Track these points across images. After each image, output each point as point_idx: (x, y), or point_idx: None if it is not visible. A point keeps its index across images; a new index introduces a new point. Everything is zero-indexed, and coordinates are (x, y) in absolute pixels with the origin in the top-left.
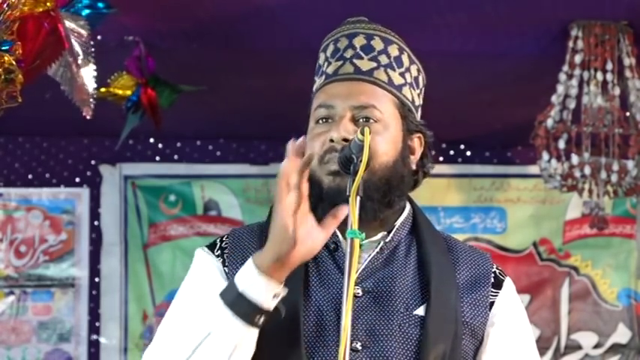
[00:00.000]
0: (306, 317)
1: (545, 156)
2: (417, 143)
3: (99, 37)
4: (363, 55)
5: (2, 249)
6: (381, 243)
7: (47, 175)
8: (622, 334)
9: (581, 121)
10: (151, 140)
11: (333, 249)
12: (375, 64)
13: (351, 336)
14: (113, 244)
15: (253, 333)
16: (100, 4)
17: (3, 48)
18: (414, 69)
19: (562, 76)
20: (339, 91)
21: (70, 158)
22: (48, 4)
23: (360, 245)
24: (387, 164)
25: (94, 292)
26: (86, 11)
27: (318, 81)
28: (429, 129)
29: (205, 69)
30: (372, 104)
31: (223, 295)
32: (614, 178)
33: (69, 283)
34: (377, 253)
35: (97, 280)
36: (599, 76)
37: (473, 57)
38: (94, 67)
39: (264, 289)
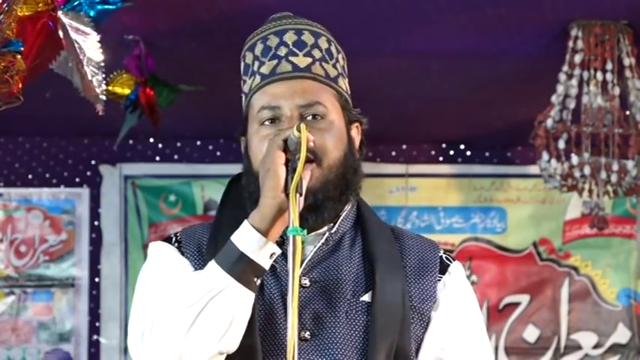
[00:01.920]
0: (259, 306)
1: (545, 156)
2: (355, 132)
3: (99, 36)
4: (297, 51)
5: (2, 249)
6: (327, 234)
7: (47, 175)
8: (622, 334)
9: (581, 121)
10: (151, 140)
11: (280, 242)
12: (310, 60)
13: (299, 325)
14: (113, 244)
15: (251, 297)
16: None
17: (12, 48)
18: (340, 58)
19: (562, 76)
20: (281, 90)
21: (70, 158)
22: (47, 3)
23: (303, 241)
24: (340, 159)
25: (94, 292)
26: (99, 7)
27: (251, 81)
28: (429, 127)
29: (205, 69)
30: (317, 101)
31: (220, 260)
32: (614, 178)
33: (69, 283)
34: (322, 244)
35: (97, 280)
36: (599, 76)
37: (473, 57)
38: (102, 65)
39: (263, 250)
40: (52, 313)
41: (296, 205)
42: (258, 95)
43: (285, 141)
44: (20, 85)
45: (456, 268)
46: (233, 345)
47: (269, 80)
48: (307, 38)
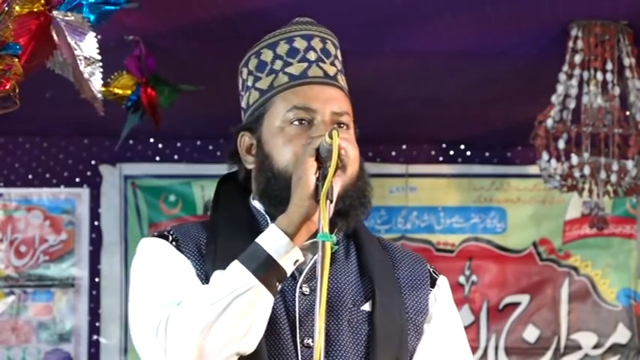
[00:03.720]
0: None
1: (545, 156)
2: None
3: (99, 37)
4: (324, 58)
5: (2, 249)
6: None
7: (47, 175)
8: (622, 335)
9: (581, 121)
10: (151, 140)
11: None
12: (335, 69)
13: (303, 333)
14: (113, 244)
15: (271, 301)
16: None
17: (10, 52)
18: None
19: (562, 76)
20: (317, 94)
21: (70, 158)
22: (43, 3)
23: (332, 248)
24: (358, 169)
25: (94, 292)
26: (102, 8)
27: (270, 78)
28: (429, 127)
29: (205, 69)
30: (346, 111)
31: (245, 260)
32: (613, 178)
33: (69, 283)
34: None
35: (97, 280)
36: (599, 76)
37: (473, 57)
38: (100, 64)
39: (289, 255)
40: (52, 313)
41: (326, 211)
42: (287, 94)
43: (317, 149)
44: (9, 84)
45: (444, 282)
46: (251, 346)
47: (301, 82)
48: (330, 48)
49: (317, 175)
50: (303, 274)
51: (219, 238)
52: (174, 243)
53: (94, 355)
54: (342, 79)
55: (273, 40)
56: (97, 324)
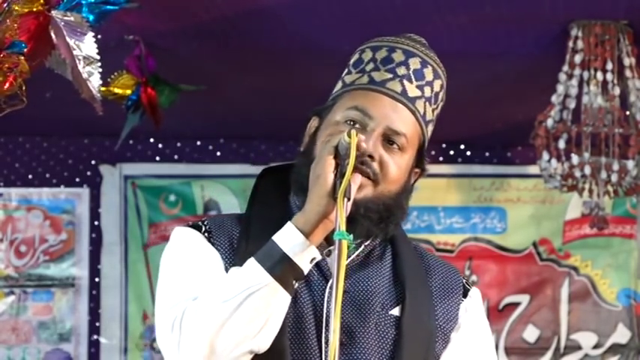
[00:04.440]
0: (290, 312)
1: (545, 156)
2: (413, 177)
3: (99, 37)
4: (413, 79)
5: (2, 249)
6: (362, 247)
7: (47, 175)
8: (621, 335)
9: (581, 121)
10: (151, 140)
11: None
12: (419, 93)
13: (329, 332)
14: (113, 244)
15: (287, 299)
16: None
17: (16, 50)
18: (440, 106)
19: (562, 76)
20: (381, 104)
21: (70, 158)
22: (42, 2)
23: (348, 246)
24: (395, 192)
25: (94, 292)
26: (101, 8)
27: (357, 76)
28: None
29: (205, 69)
30: (404, 133)
31: (260, 258)
32: (614, 178)
33: (69, 283)
34: (355, 255)
35: (97, 280)
36: (599, 76)
37: (473, 57)
38: (99, 64)
39: (305, 253)
40: (52, 313)
41: (343, 209)
42: (357, 94)
43: (337, 147)
44: (16, 83)
45: (476, 294)
46: (265, 344)
47: (375, 88)
48: (428, 73)
49: (335, 172)
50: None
51: (251, 234)
52: (206, 234)
53: (94, 355)
54: (422, 106)
55: (379, 43)
56: (97, 324)
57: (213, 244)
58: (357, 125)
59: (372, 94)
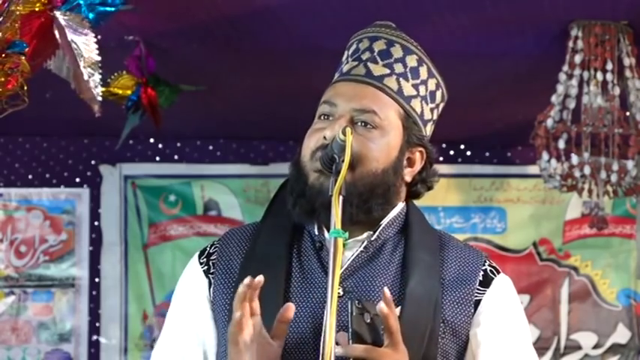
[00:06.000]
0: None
1: (545, 156)
2: (417, 157)
3: (99, 37)
4: (378, 59)
5: (2, 249)
6: (365, 242)
7: (47, 175)
8: (621, 335)
9: (581, 121)
10: (151, 140)
11: (318, 247)
12: (387, 71)
13: (331, 335)
14: (113, 244)
15: None
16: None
17: (17, 50)
18: (431, 82)
19: (562, 76)
20: (344, 90)
21: (70, 158)
22: (44, 2)
23: (344, 244)
24: (375, 171)
25: (94, 292)
26: (99, 9)
27: (335, 77)
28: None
29: (205, 69)
30: (372, 109)
31: None
32: (613, 178)
33: (69, 283)
34: (361, 251)
35: (97, 280)
36: (599, 76)
37: (473, 57)
38: (100, 65)
39: None
40: (52, 313)
41: (339, 207)
42: (328, 90)
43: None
44: (17, 82)
45: (502, 283)
46: None
47: (341, 78)
48: (395, 51)
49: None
50: (340, 273)
51: (257, 247)
52: (204, 259)
53: (94, 355)
54: (392, 81)
55: (351, 41)
56: (97, 324)
57: (208, 271)
58: (330, 118)
59: (339, 85)
